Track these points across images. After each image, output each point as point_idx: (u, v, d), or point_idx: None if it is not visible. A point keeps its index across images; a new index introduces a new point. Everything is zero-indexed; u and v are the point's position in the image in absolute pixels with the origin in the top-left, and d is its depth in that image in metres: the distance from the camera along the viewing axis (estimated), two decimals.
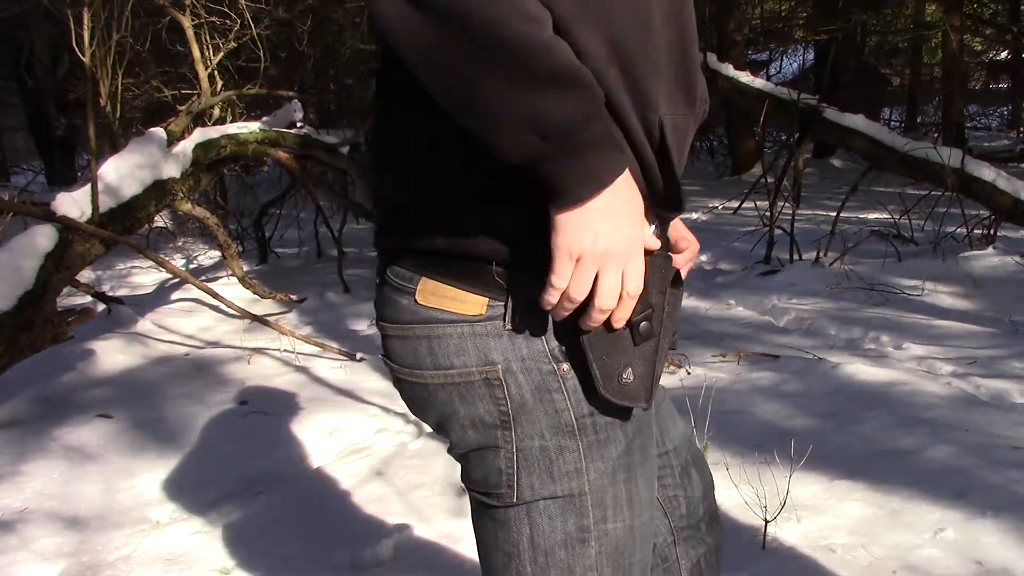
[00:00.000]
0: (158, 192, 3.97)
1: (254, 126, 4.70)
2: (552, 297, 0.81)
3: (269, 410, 3.24)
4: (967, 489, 2.33)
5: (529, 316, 0.86)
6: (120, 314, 4.33)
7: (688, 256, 1.09)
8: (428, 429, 3.01)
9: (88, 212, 3.48)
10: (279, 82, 6.15)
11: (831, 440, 2.71)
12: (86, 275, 5.08)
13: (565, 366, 0.88)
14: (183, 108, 4.65)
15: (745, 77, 6.13)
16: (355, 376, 3.61)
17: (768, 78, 11.10)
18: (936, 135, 9.93)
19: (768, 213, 5.55)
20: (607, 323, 0.84)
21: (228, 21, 5.03)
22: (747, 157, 11.19)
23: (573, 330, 0.85)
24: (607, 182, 0.76)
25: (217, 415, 3.19)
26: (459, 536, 2.27)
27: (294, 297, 4.86)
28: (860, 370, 3.32)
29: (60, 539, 2.31)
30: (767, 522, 2.16)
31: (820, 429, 2.82)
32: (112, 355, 3.82)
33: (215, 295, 3.97)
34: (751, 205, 6.10)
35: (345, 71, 7.50)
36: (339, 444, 2.93)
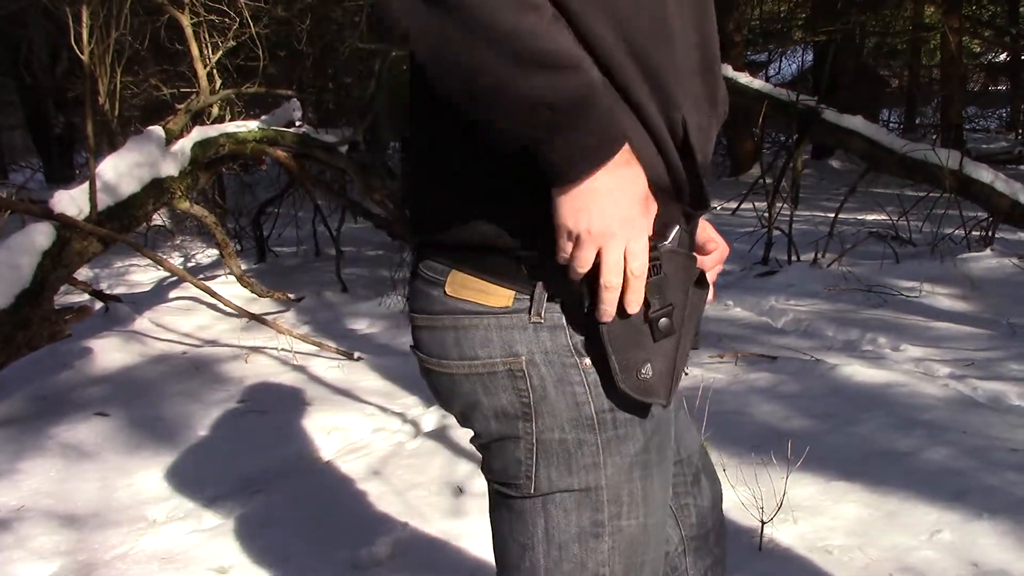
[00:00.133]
0: (156, 190, 3.97)
1: (253, 125, 4.70)
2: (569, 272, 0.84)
3: (266, 409, 3.24)
4: (964, 491, 2.33)
5: (553, 310, 0.88)
6: (118, 312, 4.33)
7: (717, 258, 1.10)
8: (426, 429, 3.01)
9: (86, 210, 3.48)
10: (278, 81, 6.16)
11: (828, 441, 2.71)
12: (84, 273, 5.08)
13: (587, 360, 0.89)
14: (182, 106, 4.64)
15: (744, 78, 6.13)
16: (353, 375, 3.61)
17: (767, 79, 11.13)
18: (935, 137, 9.94)
19: (766, 214, 5.55)
20: (622, 310, 0.85)
21: (227, 20, 5.03)
22: (746, 158, 11.19)
23: (594, 323, 0.86)
24: (600, 163, 0.78)
25: (214, 414, 3.19)
26: (456, 535, 2.27)
27: (292, 296, 4.86)
28: (858, 371, 3.32)
29: (57, 537, 2.31)
30: (764, 523, 2.16)
31: (817, 430, 2.82)
32: (110, 353, 3.82)
33: (213, 294, 3.97)
34: (749, 206, 6.11)
35: (344, 70, 7.51)
36: (337, 443, 2.93)
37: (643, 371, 0.87)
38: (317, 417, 3.12)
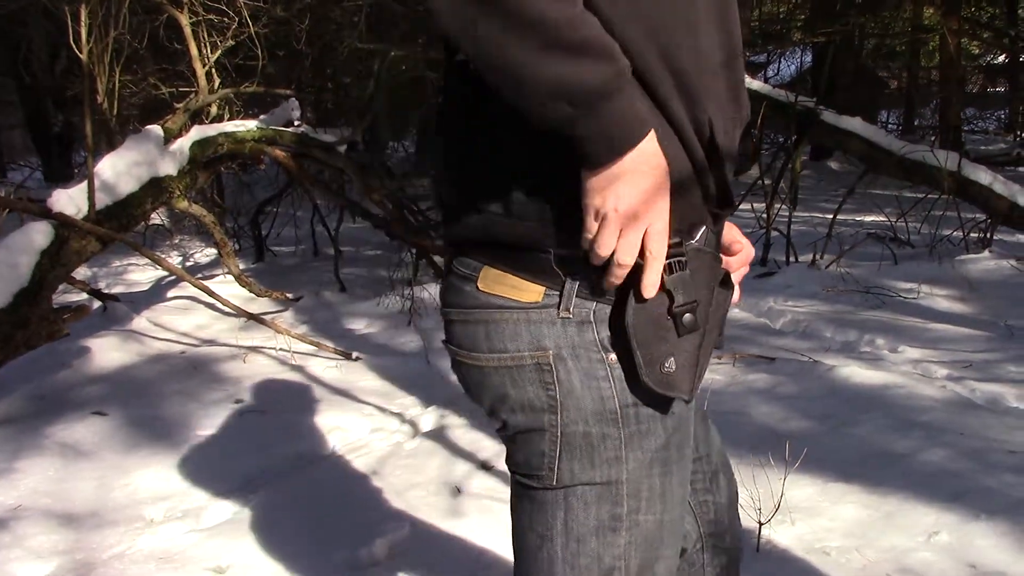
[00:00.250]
0: (155, 189, 3.96)
1: (251, 124, 4.69)
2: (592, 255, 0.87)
3: (264, 409, 3.24)
4: (962, 492, 2.33)
5: (582, 306, 0.91)
6: (116, 311, 4.33)
7: (742, 259, 1.11)
8: (424, 429, 3.01)
9: (84, 209, 3.48)
10: (277, 80, 6.15)
11: (826, 443, 2.71)
12: (82, 272, 5.07)
13: (613, 356, 0.92)
14: (180, 106, 4.63)
15: None
16: (351, 375, 3.61)
17: (766, 80, 11.11)
18: (933, 138, 9.94)
19: (765, 215, 5.56)
20: (639, 294, 0.87)
21: (226, 19, 5.02)
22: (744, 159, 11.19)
23: (619, 317, 0.89)
24: (629, 146, 0.82)
25: (212, 413, 3.18)
26: (454, 535, 2.27)
27: (290, 296, 4.85)
28: (856, 373, 3.32)
29: (54, 536, 2.31)
30: (761, 524, 2.16)
31: (815, 431, 2.82)
32: (108, 352, 3.82)
33: (211, 293, 3.97)
34: (748, 207, 6.11)
35: (343, 70, 7.50)
36: (335, 443, 2.93)
37: (666, 365, 0.90)
38: (315, 417, 3.12)
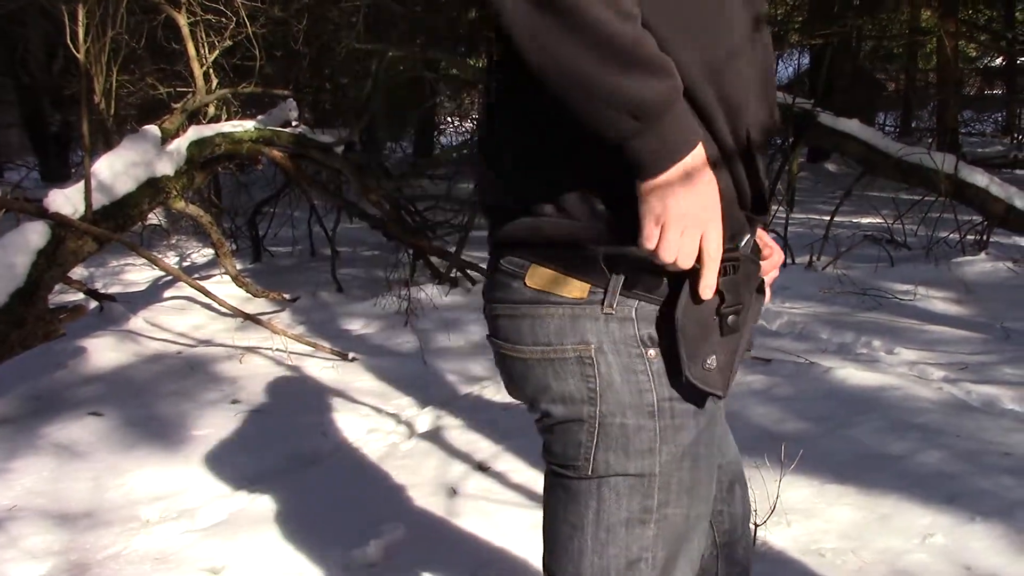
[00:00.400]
0: (152, 190, 3.96)
1: (249, 124, 4.69)
2: (652, 257, 0.90)
3: (261, 409, 3.24)
4: (957, 494, 2.34)
5: (624, 303, 0.95)
6: (112, 312, 4.32)
7: (772, 264, 1.14)
8: (420, 430, 3.01)
9: (81, 209, 3.47)
10: (274, 81, 6.13)
11: (822, 444, 2.71)
12: (79, 272, 5.06)
13: (652, 352, 0.96)
14: (178, 106, 4.63)
15: None
16: (347, 376, 3.61)
17: None
18: (930, 140, 9.95)
19: None
20: (695, 294, 0.91)
21: (224, 19, 5.01)
22: None
23: (668, 313, 0.94)
24: (682, 156, 0.86)
25: (208, 414, 3.18)
26: (450, 536, 2.27)
27: (287, 296, 4.85)
28: (852, 375, 3.32)
29: (49, 537, 2.31)
30: (757, 526, 2.16)
31: (811, 433, 2.83)
32: (104, 353, 3.81)
33: (208, 293, 3.96)
34: None
35: (341, 70, 7.48)
36: (331, 444, 2.93)
37: (708, 362, 0.95)
38: (311, 417, 3.11)
